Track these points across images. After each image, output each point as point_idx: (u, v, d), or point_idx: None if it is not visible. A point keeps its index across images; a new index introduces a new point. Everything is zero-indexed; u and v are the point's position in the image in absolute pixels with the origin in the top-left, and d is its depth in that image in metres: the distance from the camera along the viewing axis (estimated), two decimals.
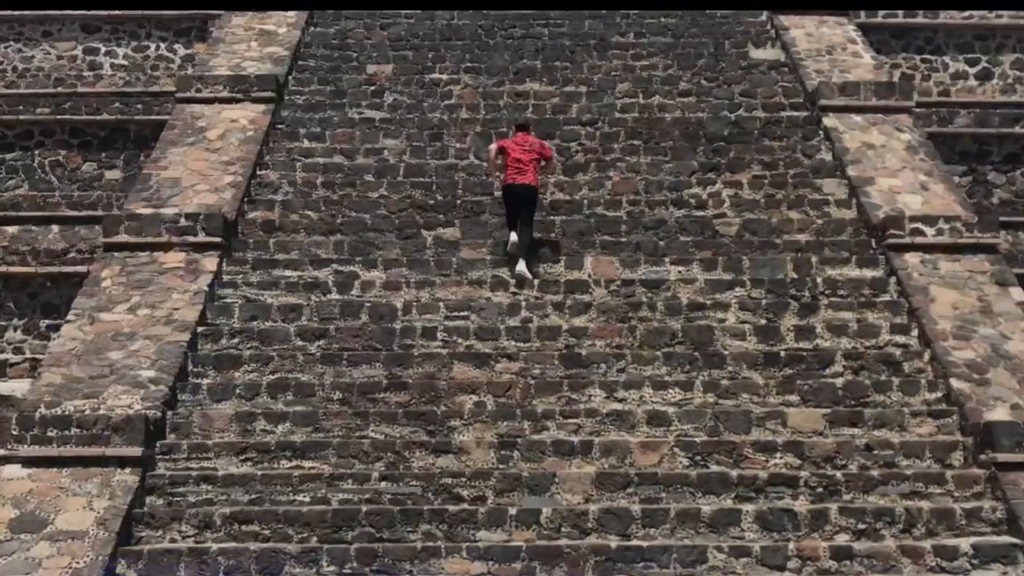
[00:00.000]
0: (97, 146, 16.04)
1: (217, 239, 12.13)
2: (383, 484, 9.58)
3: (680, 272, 12.18)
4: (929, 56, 18.40)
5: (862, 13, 18.13)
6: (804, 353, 11.04)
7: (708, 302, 11.67)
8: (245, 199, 13.20)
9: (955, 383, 10.53)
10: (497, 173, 12.66)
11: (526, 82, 15.96)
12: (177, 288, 11.60)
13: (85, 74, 17.98)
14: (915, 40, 18.47)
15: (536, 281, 11.92)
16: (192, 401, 10.48)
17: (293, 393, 10.52)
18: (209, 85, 15.09)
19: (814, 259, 12.31)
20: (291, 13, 17.61)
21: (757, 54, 16.87)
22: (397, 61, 16.53)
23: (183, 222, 12.19)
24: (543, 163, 12.49)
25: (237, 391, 10.52)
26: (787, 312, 11.59)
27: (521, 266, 11.92)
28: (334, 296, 11.79)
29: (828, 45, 16.84)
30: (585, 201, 13.31)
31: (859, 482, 9.64)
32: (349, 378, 10.74)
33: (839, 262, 12.30)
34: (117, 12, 18.08)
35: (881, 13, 18.36)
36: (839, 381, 10.77)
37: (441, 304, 11.57)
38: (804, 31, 17.25)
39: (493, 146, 12.70)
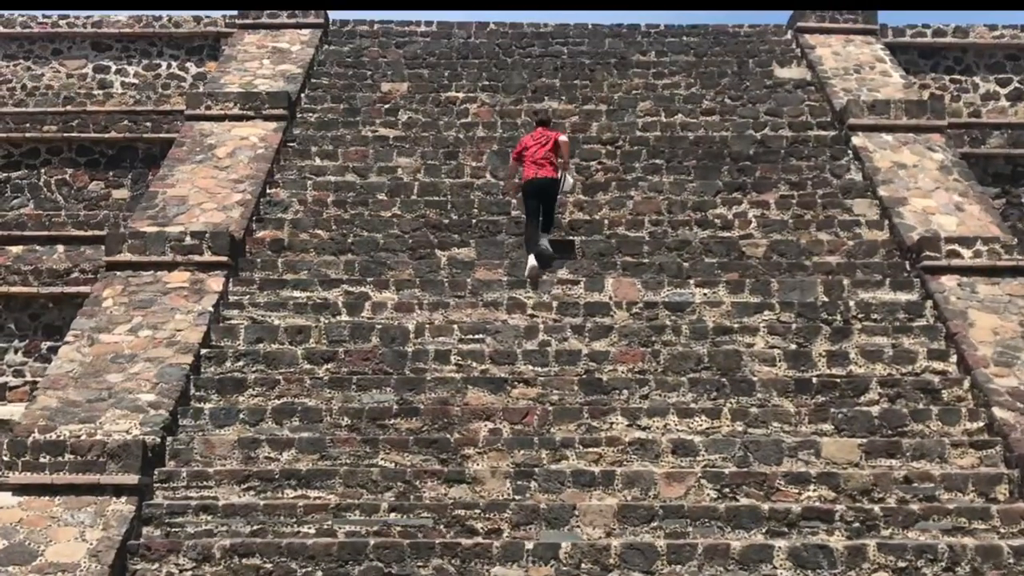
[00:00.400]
0: (105, 165, 15.64)
1: (223, 258, 11.67)
2: (392, 515, 9.03)
3: (705, 295, 11.65)
4: (959, 76, 17.91)
5: (889, 31, 17.70)
6: (837, 380, 10.48)
7: (735, 326, 11.13)
8: (253, 218, 12.76)
9: (998, 412, 9.94)
10: (515, 181, 12.52)
11: (544, 100, 15.52)
12: (181, 309, 11.13)
13: (95, 92, 17.65)
14: (944, 60, 17.99)
15: (555, 303, 11.41)
16: (193, 426, 9.98)
17: (299, 419, 10.01)
18: (220, 102, 14.70)
19: (846, 282, 11.76)
20: (305, 31, 17.27)
21: (782, 73, 16.40)
22: (412, 79, 16.12)
23: (188, 240, 11.75)
24: (559, 154, 12.19)
25: (241, 416, 10.02)
26: (818, 337, 11.04)
27: (544, 242, 11.86)
28: (344, 318, 11.31)
29: (856, 64, 16.37)
30: (606, 221, 12.81)
31: (898, 517, 9.05)
32: (358, 403, 10.23)
33: (872, 285, 11.76)
34: (128, 30, 17.76)
35: (909, 32, 17.92)
36: (875, 409, 10.19)
37: (455, 326, 11.07)
38: (831, 50, 16.79)
39: (513, 159, 12.56)
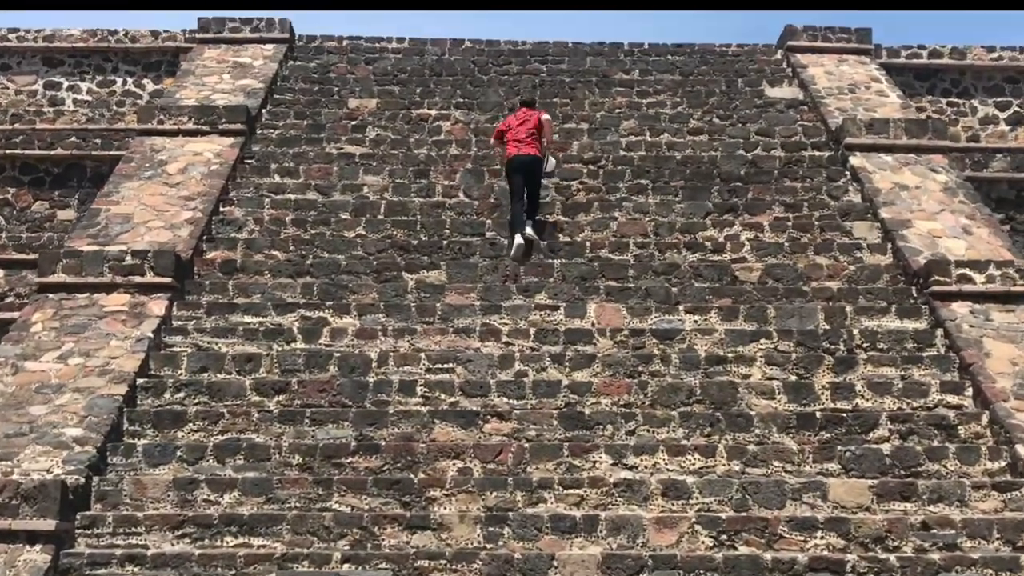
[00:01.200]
0: (50, 184, 14.61)
1: (167, 279, 10.61)
2: (346, 567, 7.93)
3: (696, 322, 10.66)
4: (956, 99, 17.12)
5: (884, 52, 16.92)
6: (843, 415, 9.48)
7: (730, 355, 10.13)
8: (204, 237, 11.71)
9: (1021, 450, 8.96)
10: (498, 151, 12.49)
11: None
12: (117, 334, 10.05)
13: (45, 110, 16.61)
14: (941, 82, 17.21)
15: (532, 330, 10.39)
16: (124, 465, 8.86)
17: (244, 456, 8.91)
18: (173, 116, 13.69)
19: (848, 308, 10.81)
20: (269, 46, 16.33)
21: (773, 92, 15.56)
22: (382, 96, 15.17)
23: (129, 260, 10.68)
24: (542, 133, 12.08)
25: (178, 454, 8.91)
26: (820, 367, 10.05)
27: (528, 229, 11.55)
28: (299, 345, 10.24)
29: (850, 83, 15.54)
30: (587, 243, 11.82)
31: (917, 567, 8.01)
32: (312, 439, 9.15)
33: (876, 312, 10.80)
34: (81, 45, 16.76)
35: (904, 53, 17.14)
36: (886, 447, 9.19)
37: (422, 355, 10.02)
38: (823, 69, 15.97)
39: (493, 139, 12.57)
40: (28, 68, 16.80)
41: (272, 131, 14.15)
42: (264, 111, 14.61)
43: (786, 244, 11.89)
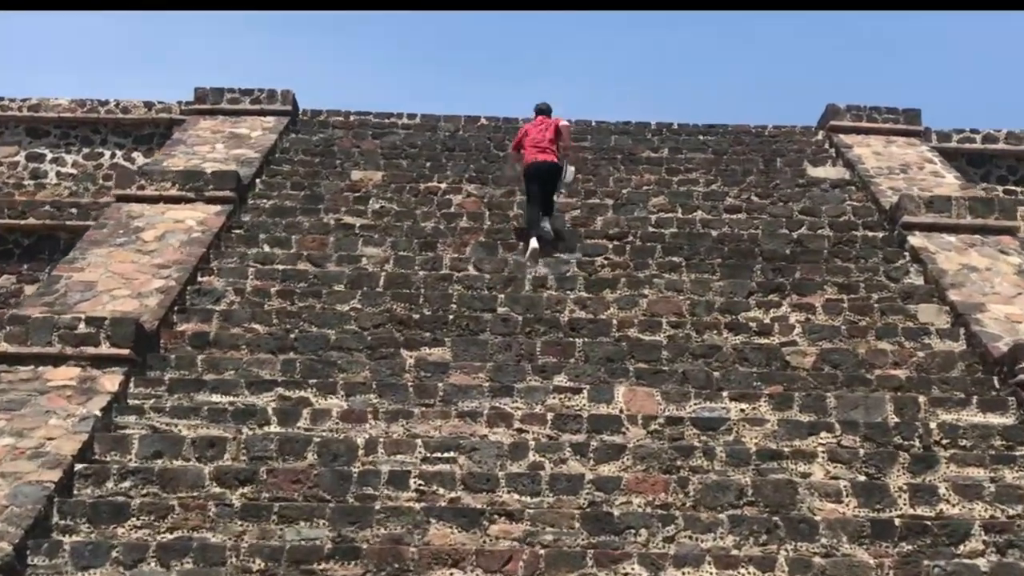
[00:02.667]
0: (19, 257, 13.24)
1: (124, 351, 9.10)
2: None
3: (743, 410, 9.04)
4: (1013, 187, 15.71)
5: (933, 136, 15.64)
6: (927, 522, 7.79)
7: (785, 449, 8.49)
8: (176, 308, 10.25)
9: None
10: (517, 164, 12.44)
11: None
12: (59, 412, 8.50)
13: (26, 183, 15.38)
14: (996, 169, 15.86)
15: (549, 416, 8.80)
16: (46, 567, 7.21)
17: (194, 560, 7.25)
18: (155, 182, 12.37)
19: (921, 400, 9.19)
20: (269, 118, 15.14)
21: (816, 172, 14.19)
22: (388, 168, 13.87)
23: (82, 328, 9.20)
24: (560, 139, 12.01)
25: (114, 554, 7.26)
26: (895, 466, 8.38)
27: (546, 224, 11.55)
28: (273, 428, 8.66)
29: (902, 164, 14.18)
30: (614, 321, 10.30)
31: None
32: (278, 540, 7.49)
33: (955, 404, 9.17)
34: (69, 115, 15.61)
35: (956, 138, 15.83)
36: (981, 563, 7.48)
37: (419, 441, 8.41)
38: (871, 149, 14.64)
39: (512, 149, 12.46)
40: (10, 138, 15.64)
41: (265, 201, 12.81)
42: (258, 181, 13.30)
43: (843, 327, 10.34)
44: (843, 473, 8.35)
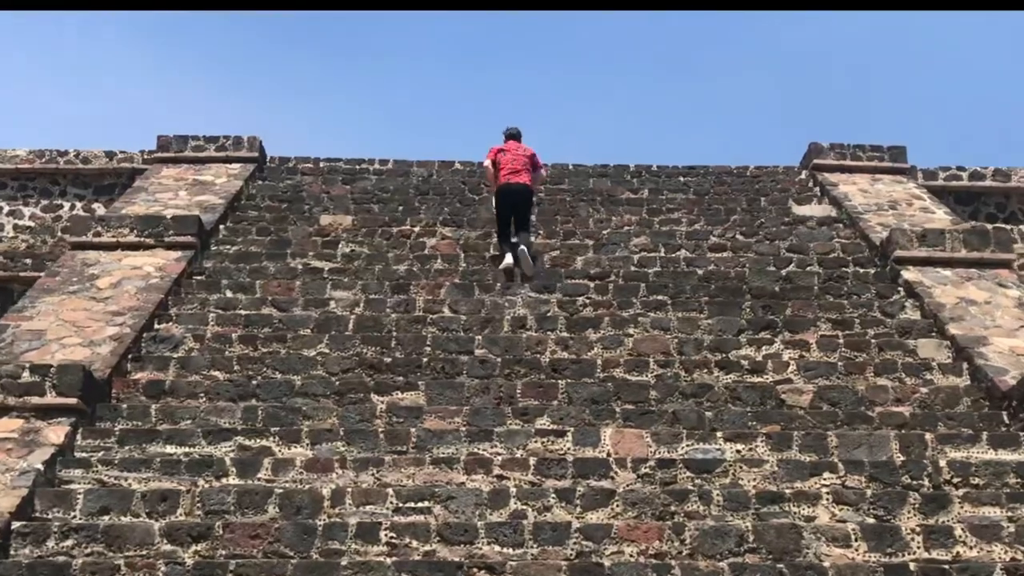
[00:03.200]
0: None
1: (71, 401, 8.42)
2: None
3: (739, 451, 8.43)
4: (1003, 225, 15.30)
5: (919, 174, 15.29)
6: (944, 567, 7.15)
7: (787, 491, 7.86)
8: (130, 356, 9.59)
9: None
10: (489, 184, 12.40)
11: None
12: None
13: None
14: (984, 207, 15.51)
15: (532, 460, 8.15)
16: None
17: None
18: (112, 228, 11.76)
19: (928, 437, 8.60)
20: (235, 165, 14.60)
21: (802, 210, 13.74)
22: (358, 213, 13.33)
23: (26, 377, 8.51)
24: (533, 171, 12.03)
25: None
26: (905, 507, 7.76)
27: (522, 251, 11.29)
28: (232, 480, 7.97)
29: (890, 200, 13.76)
30: (599, 361, 9.70)
31: None
32: None
33: (963, 441, 8.59)
34: (27, 166, 15.04)
35: (942, 175, 15.49)
36: None
37: (390, 491, 7.73)
38: (857, 187, 14.23)
39: (487, 160, 12.11)
40: None
41: (229, 247, 12.21)
42: (222, 227, 12.73)
43: (839, 364, 9.78)
44: (850, 516, 7.72)
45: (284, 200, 13.80)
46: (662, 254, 12.28)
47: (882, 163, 15.01)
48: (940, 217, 13.21)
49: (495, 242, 12.36)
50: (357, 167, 15.20)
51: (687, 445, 8.47)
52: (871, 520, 7.69)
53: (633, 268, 11.85)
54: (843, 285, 11.44)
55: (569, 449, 8.42)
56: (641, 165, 15.45)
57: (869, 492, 7.89)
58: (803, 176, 15.05)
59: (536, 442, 8.45)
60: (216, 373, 9.46)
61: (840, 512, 7.75)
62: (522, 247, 11.32)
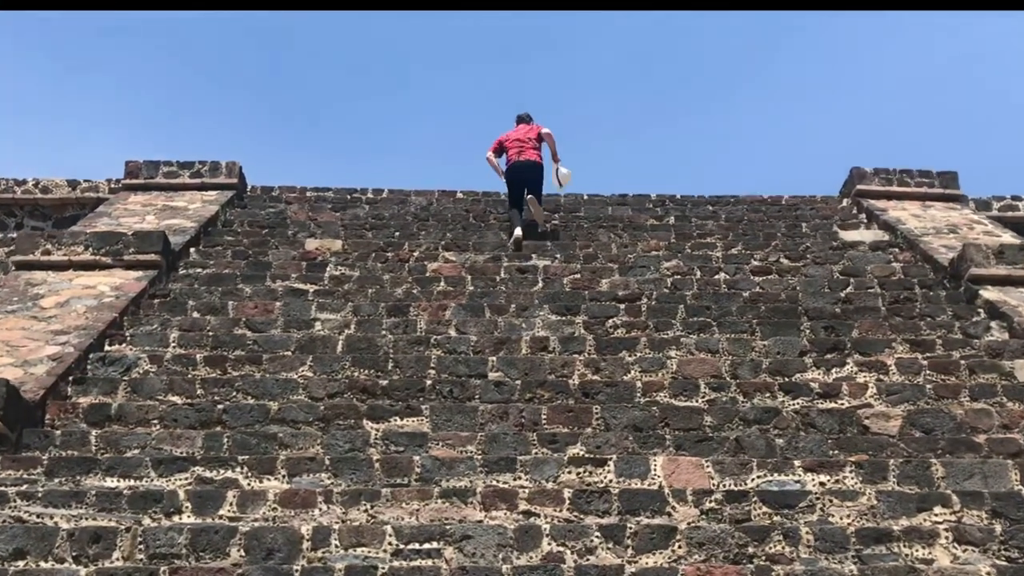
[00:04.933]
0: None
1: None
2: None
3: (824, 483, 6.75)
4: None
5: (971, 203, 13.72)
6: None
7: (895, 529, 6.17)
8: (70, 377, 7.90)
9: None
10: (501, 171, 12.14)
11: (532, 258, 11.09)
12: None
13: None
14: None
15: (566, 492, 6.45)
16: None
17: None
18: (64, 246, 10.16)
19: None
20: (211, 192, 13.04)
21: (850, 235, 12.19)
22: (349, 237, 11.74)
23: None
24: (542, 143, 12.06)
25: None
26: None
27: (530, 198, 11.56)
28: (185, 518, 6.25)
29: (948, 224, 12.24)
30: (638, 384, 8.04)
31: None
32: None
33: None
34: None
35: (996, 205, 14.03)
36: None
37: (388, 528, 6.02)
38: (909, 212, 12.73)
39: (489, 152, 12.17)
40: None
41: (200, 270, 10.59)
42: (193, 250, 11.12)
43: (928, 388, 8.12)
44: (977, 557, 6.04)
45: (265, 226, 12.21)
46: (699, 276, 10.70)
47: (932, 189, 13.53)
48: (1008, 241, 11.66)
49: (507, 265, 10.79)
50: (348, 196, 13.66)
51: (759, 476, 6.78)
52: (1003, 562, 6.00)
53: (667, 290, 10.26)
54: (913, 307, 9.85)
55: (611, 480, 6.72)
56: (663, 195, 13.94)
57: (997, 529, 6.21)
58: (845, 204, 13.55)
59: (570, 472, 6.76)
60: (174, 398, 7.77)
61: (964, 553, 6.07)
62: (530, 196, 11.57)
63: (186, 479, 6.64)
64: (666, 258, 11.24)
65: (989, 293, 9.81)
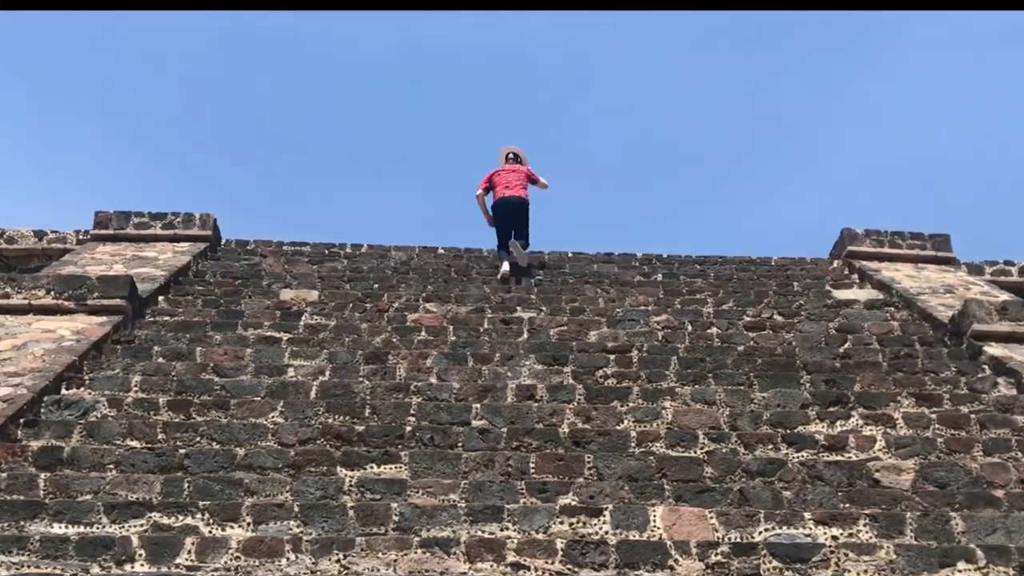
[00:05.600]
0: None
1: None
2: None
3: (837, 536, 6.23)
4: None
5: (963, 267, 13.41)
6: None
7: None
8: (21, 420, 7.32)
9: None
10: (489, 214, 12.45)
11: (517, 310, 10.63)
12: None
13: None
14: None
15: (559, 543, 5.91)
16: None
17: None
18: (24, 289, 9.63)
19: None
20: (183, 244, 12.55)
21: (843, 294, 11.82)
22: (327, 288, 11.25)
23: None
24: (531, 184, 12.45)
25: None
26: None
27: (513, 243, 11.74)
28: (139, 567, 5.67)
29: (944, 285, 11.91)
30: (632, 434, 7.54)
31: None
32: None
33: None
34: None
35: (989, 270, 13.70)
36: None
37: None
38: (902, 273, 12.41)
39: (479, 189, 12.47)
40: None
41: (168, 317, 10.07)
42: (162, 298, 10.60)
43: (939, 442, 7.66)
44: None
45: (239, 276, 11.72)
46: (690, 330, 10.26)
47: (924, 251, 13.23)
48: (1007, 299, 11.30)
49: (490, 316, 10.33)
50: (327, 251, 13.19)
51: (767, 528, 6.27)
52: None
53: (657, 343, 9.80)
54: (915, 362, 9.42)
55: (608, 531, 6.18)
56: (649, 254, 13.57)
57: None
58: (836, 265, 13.20)
59: (562, 522, 6.22)
60: (133, 442, 7.20)
61: None
62: (514, 241, 11.72)
63: (141, 525, 6.05)
64: (655, 312, 10.82)
65: (993, 349, 9.41)
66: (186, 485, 6.51)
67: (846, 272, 12.84)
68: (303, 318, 10.13)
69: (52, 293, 9.62)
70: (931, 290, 11.65)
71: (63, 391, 8.00)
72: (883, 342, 10.10)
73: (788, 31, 32.17)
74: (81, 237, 13.14)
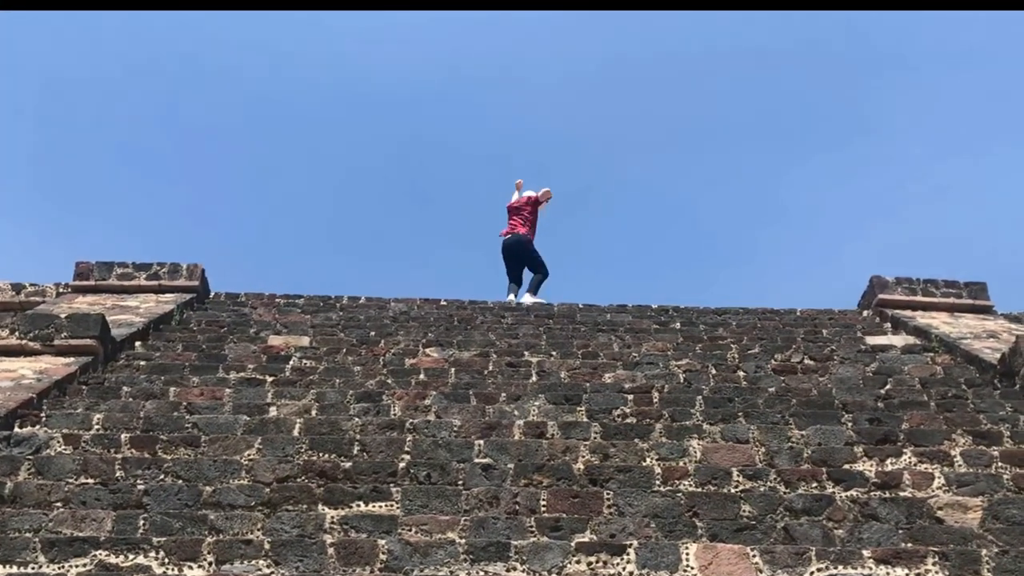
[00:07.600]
0: None
1: None
2: None
3: None
4: None
5: (1000, 317, 12.54)
6: None
7: None
8: None
9: None
10: None
11: (525, 354, 9.77)
12: None
13: None
14: None
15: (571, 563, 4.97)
16: None
17: None
18: None
19: None
20: (168, 295, 11.76)
21: (877, 341, 10.94)
22: (319, 335, 10.42)
23: None
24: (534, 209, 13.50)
25: None
26: None
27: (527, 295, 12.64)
28: None
29: (985, 331, 11.05)
30: (657, 471, 6.62)
31: None
32: None
33: None
34: None
35: None
36: None
37: None
38: (939, 320, 11.56)
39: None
40: None
41: (144, 361, 9.21)
42: (139, 343, 9.77)
43: (1005, 478, 6.73)
44: None
45: (224, 325, 10.89)
46: (714, 373, 9.38)
47: (960, 300, 12.38)
48: None
49: (495, 359, 9.47)
50: (322, 303, 12.38)
51: (820, 567, 5.33)
52: None
53: (680, 384, 8.92)
54: (965, 403, 8.51)
55: (633, 571, 5.24)
56: (665, 305, 12.73)
57: None
58: (866, 315, 12.34)
59: (578, 561, 5.28)
60: (87, 479, 6.31)
61: None
62: (523, 292, 12.66)
63: (84, 564, 5.13)
64: (675, 357, 9.95)
65: None
66: (141, 522, 5.60)
67: (877, 320, 11.98)
68: (291, 362, 9.28)
69: (17, 333, 8.82)
70: (972, 335, 10.78)
71: (16, 428, 7.12)
72: (927, 384, 9.20)
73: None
74: (61, 290, 12.37)
